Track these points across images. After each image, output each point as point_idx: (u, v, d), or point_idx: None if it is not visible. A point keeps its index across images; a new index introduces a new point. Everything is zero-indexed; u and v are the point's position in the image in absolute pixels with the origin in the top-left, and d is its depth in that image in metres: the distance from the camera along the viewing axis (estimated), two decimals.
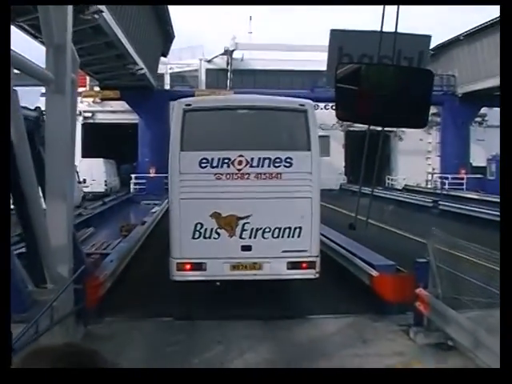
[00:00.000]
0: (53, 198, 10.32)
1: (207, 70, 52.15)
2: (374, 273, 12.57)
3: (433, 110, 51.43)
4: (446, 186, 44.37)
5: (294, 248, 12.18)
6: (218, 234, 12.04)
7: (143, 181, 42.61)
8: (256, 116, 12.75)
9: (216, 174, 11.99)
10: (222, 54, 50.07)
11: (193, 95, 43.04)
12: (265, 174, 12.08)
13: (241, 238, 12.08)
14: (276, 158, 12.06)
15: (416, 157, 51.91)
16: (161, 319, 11.94)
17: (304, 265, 12.27)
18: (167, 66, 50.27)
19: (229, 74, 48.62)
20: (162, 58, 46.45)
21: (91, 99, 48.57)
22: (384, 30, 5.26)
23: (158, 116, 42.01)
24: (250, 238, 12.08)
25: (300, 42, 48.23)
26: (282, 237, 12.13)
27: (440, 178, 48.10)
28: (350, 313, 12.30)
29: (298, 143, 12.51)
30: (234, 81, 48.53)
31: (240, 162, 12.03)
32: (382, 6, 5.25)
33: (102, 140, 47.40)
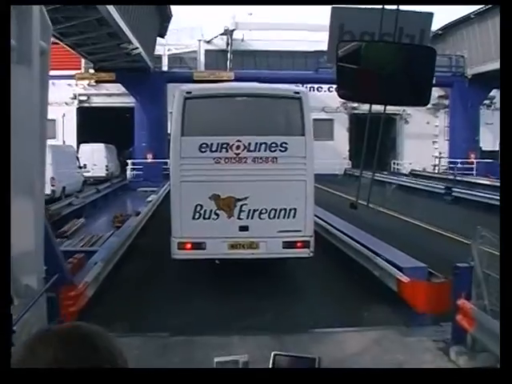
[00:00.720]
0: (17, 192, 8.30)
1: (206, 51, 50.06)
2: (403, 278, 10.67)
3: (440, 92, 49.73)
4: (455, 171, 42.38)
5: (289, 228, 12.74)
6: (217, 214, 12.60)
7: (140, 166, 40.36)
8: (253, 103, 13.33)
9: (215, 158, 12.55)
10: (222, 35, 47.96)
11: (191, 76, 41.60)
12: (261, 158, 12.63)
13: (239, 218, 12.66)
14: (272, 143, 12.61)
15: (422, 141, 50.47)
16: (153, 335, 10.06)
17: (299, 244, 12.80)
18: (165, 47, 48.23)
19: (229, 54, 46.50)
20: (160, 40, 44.52)
21: (86, 82, 46.86)
22: (386, 6, 5.18)
23: (155, 98, 40.17)
24: (247, 218, 12.66)
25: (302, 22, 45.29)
26: (278, 217, 12.69)
27: (449, 162, 46.00)
28: (375, 324, 10.51)
29: (293, 129, 13.04)
30: (234, 62, 46.40)
31: (238, 147, 12.58)
32: None
33: (98, 124, 45.96)
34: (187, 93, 12.97)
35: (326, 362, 1.83)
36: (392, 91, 4.22)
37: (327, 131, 49.33)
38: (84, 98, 48.13)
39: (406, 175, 46.22)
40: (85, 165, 34.46)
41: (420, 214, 23.83)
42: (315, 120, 46.78)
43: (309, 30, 42.98)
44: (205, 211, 12.63)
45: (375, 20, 5.45)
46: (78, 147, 40.02)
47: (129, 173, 41.23)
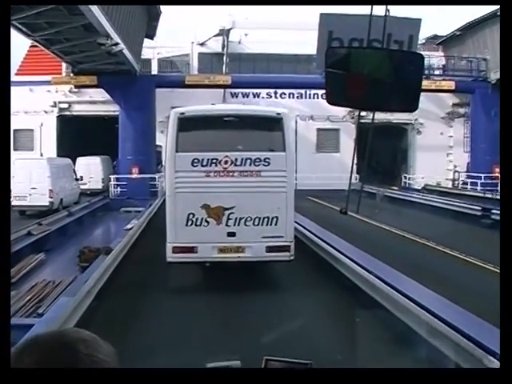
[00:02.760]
0: None
1: (200, 55, 45.88)
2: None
3: (454, 99, 45.67)
4: (478, 187, 37.68)
5: (271, 234, 14.02)
6: (208, 222, 13.89)
7: (124, 183, 35.46)
8: (239, 123, 14.52)
9: (206, 171, 13.90)
10: (217, 35, 43.19)
11: (183, 81, 36.88)
12: (246, 171, 13.98)
13: (227, 225, 13.93)
14: (256, 159, 13.94)
15: (436, 153, 46.27)
16: None
17: (280, 248, 14.10)
18: (154, 50, 44.26)
19: (224, 57, 41.89)
20: (149, 42, 40.52)
21: (66, 88, 42.86)
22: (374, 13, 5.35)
23: (141, 106, 35.74)
24: (234, 225, 13.94)
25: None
26: (262, 225, 14.00)
27: (468, 176, 41.25)
28: None
29: (275, 146, 14.30)
30: (230, 66, 42.05)
31: (226, 162, 13.90)
32: None
33: (81, 134, 42.77)
34: (181, 113, 14.33)
35: None
36: (381, 97, 4.39)
37: (333, 143, 45.04)
38: (65, 105, 44.05)
39: (418, 191, 41.79)
40: (81, 177, 34.07)
41: (460, 242, 19.08)
42: (319, 130, 42.21)
43: (313, 30, 38.05)
44: (196, 219, 13.89)
45: (364, 26, 5.69)
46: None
47: (112, 190, 36.21)
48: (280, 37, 41.68)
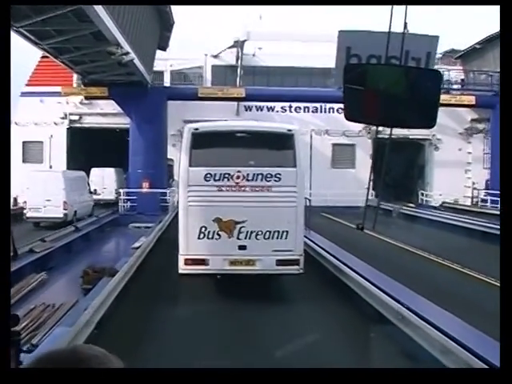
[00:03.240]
0: None
1: (213, 67, 44.82)
2: None
3: (473, 114, 44.49)
4: (499, 205, 36.26)
5: (281, 248, 14.27)
6: (219, 235, 14.17)
7: (134, 197, 34.31)
8: (251, 139, 14.93)
9: (218, 186, 14.21)
10: (231, 47, 42.08)
11: (196, 93, 35.84)
12: (258, 186, 14.30)
13: (238, 238, 14.20)
14: (267, 174, 14.26)
15: (453, 169, 44.90)
16: None
17: (290, 262, 14.35)
18: (167, 62, 43.26)
19: (239, 70, 40.79)
20: (161, 54, 39.61)
21: (77, 99, 41.93)
22: (393, 30, 5.42)
23: (153, 118, 34.64)
24: (245, 239, 14.20)
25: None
26: (272, 238, 14.24)
27: (488, 194, 39.88)
28: None
29: (286, 161, 14.60)
30: (244, 79, 40.82)
31: (238, 177, 14.23)
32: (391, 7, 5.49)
33: (91, 147, 41.86)
34: (195, 129, 14.64)
35: None
36: (398, 113, 4.44)
37: (348, 158, 43.84)
38: (75, 117, 42.97)
39: (436, 208, 40.88)
40: (95, 190, 34.02)
41: (488, 265, 17.71)
42: (335, 145, 41.00)
43: (328, 42, 36.98)
44: (208, 232, 14.13)
45: (382, 43, 5.65)
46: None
47: (121, 204, 34.98)
48: (295, 49, 40.78)
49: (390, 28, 5.17)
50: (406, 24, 5.76)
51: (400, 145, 41.43)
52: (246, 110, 43.04)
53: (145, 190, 34.38)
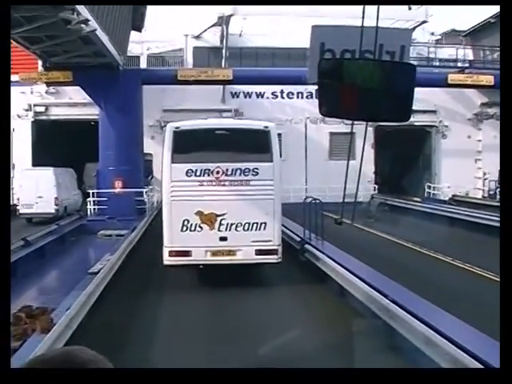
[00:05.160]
0: None
1: (195, 49, 40.08)
2: None
3: (483, 98, 39.76)
4: None
5: (260, 238, 15.04)
6: (201, 227, 14.93)
7: (105, 198, 29.15)
8: (230, 136, 15.76)
9: (199, 181, 15.02)
10: (215, 25, 36.80)
11: (175, 76, 30.97)
12: (237, 181, 15.10)
13: (219, 230, 14.96)
14: (245, 169, 15.09)
15: (463, 159, 40.62)
16: None
17: (269, 251, 15.07)
18: (143, 45, 38.86)
19: (224, 50, 35.56)
20: (137, 36, 34.93)
21: (44, 89, 37.03)
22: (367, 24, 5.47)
23: (126, 106, 30.06)
24: (226, 230, 14.98)
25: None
26: (251, 230, 15.02)
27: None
28: None
29: (263, 157, 15.36)
30: (230, 63, 35.96)
31: (218, 172, 14.99)
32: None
33: (60, 142, 37.56)
34: (176, 128, 15.50)
35: None
36: (373, 107, 4.36)
37: (348, 148, 38.52)
38: (41, 108, 38.23)
39: (445, 202, 36.83)
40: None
41: None
42: (333, 134, 36.49)
43: (324, 17, 31.93)
44: (191, 225, 14.89)
45: (356, 37, 5.71)
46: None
47: (89, 207, 30.05)
48: (286, 26, 35.68)
49: (362, 21, 5.06)
50: (378, 17, 5.46)
51: (404, 132, 37.17)
52: (233, 97, 38.83)
53: (117, 190, 29.20)
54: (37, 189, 28.81)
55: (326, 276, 14.77)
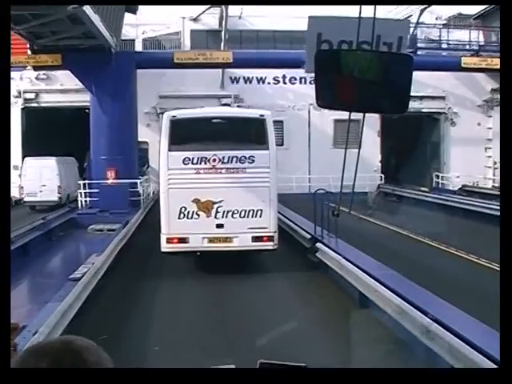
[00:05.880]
0: None
1: (192, 32, 38.06)
2: None
3: (493, 84, 38.50)
4: None
5: (256, 225, 15.22)
6: (198, 215, 15.07)
7: (96, 190, 27.16)
8: (226, 124, 16.06)
9: (196, 169, 15.17)
10: (213, 5, 34.62)
11: (171, 59, 29.07)
12: (233, 168, 15.21)
13: (215, 218, 15.12)
14: (242, 156, 15.21)
15: (472, 147, 38.81)
16: None
17: (265, 238, 15.29)
18: (138, 28, 36.88)
19: (223, 33, 33.50)
20: (132, 18, 32.53)
21: (34, 74, 34.99)
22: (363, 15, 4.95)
23: (119, 91, 28.21)
24: (222, 217, 15.12)
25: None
26: (247, 217, 15.17)
27: None
28: None
29: (259, 144, 15.62)
30: (229, 47, 33.81)
31: (214, 160, 15.10)
32: None
33: (51, 131, 35.44)
34: (173, 116, 15.59)
35: None
36: (371, 99, 4.20)
37: (353, 136, 36.06)
38: (31, 95, 36.35)
39: (454, 192, 34.83)
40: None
41: None
42: (337, 121, 35.14)
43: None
44: (188, 212, 15.02)
45: (353, 28, 5.31)
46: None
47: (80, 199, 28.29)
48: (288, 8, 33.41)
49: (360, 11, 4.56)
50: (376, 7, 4.84)
51: (411, 120, 35.48)
52: (233, 82, 37.14)
53: (110, 181, 27.21)
54: (40, 177, 29.82)
55: (343, 281, 12.87)
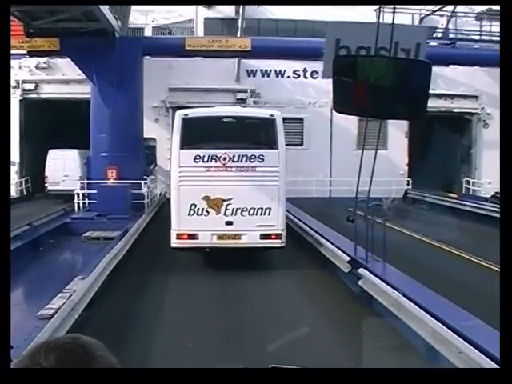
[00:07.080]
0: None
1: (206, 20, 35.15)
2: None
3: None
4: None
5: (265, 223, 15.51)
6: (208, 212, 15.38)
7: (95, 191, 24.49)
8: (237, 123, 16.28)
9: (206, 167, 15.46)
10: (220, 4, 32.35)
11: (182, 45, 25.99)
12: (243, 167, 15.54)
13: (225, 215, 15.43)
14: (251, 155, 15.54)
15: None
16: None
17: (273, 236, 15.65)
18: (148, 15, 34.40)
19: (240, 20, 30.57)
20: (141, 6, 30.86)
21: (33, 63, 32.77)
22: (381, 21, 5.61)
23: (123, 81, 25.42)
24: (231, 215, 15.43)
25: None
26: (256, 214, 15.48)
27: None
28: None
29: (268, 144, 15.97)
30: (246, 35, 30.56)
31: (224, 158, 15.42)
32: None
33: (51, 123, 33.20)
34: (185, 115, 15.96)
35: None
36: (386, 105, 4.33)
37: (376, 137, 33.29)
38: (30, 86, 33.69)
39: (486, 200, 31.80)
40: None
41: None
42: (361, 121, 31.99)
43: None
44: (198, 209, 15.32)
45: (371, 35, 5.52)
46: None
47: (77, 201, 25.55)
48: None
49: (378, 18, 5.18)
50: (394, 14, 5.28)
51: (442, 120, 32.48)
52: (249, 76, 34.31)
53: (110, 182, 24.15)
54: (64, 168, 31.56)
55: (403, 327, 9.60)
